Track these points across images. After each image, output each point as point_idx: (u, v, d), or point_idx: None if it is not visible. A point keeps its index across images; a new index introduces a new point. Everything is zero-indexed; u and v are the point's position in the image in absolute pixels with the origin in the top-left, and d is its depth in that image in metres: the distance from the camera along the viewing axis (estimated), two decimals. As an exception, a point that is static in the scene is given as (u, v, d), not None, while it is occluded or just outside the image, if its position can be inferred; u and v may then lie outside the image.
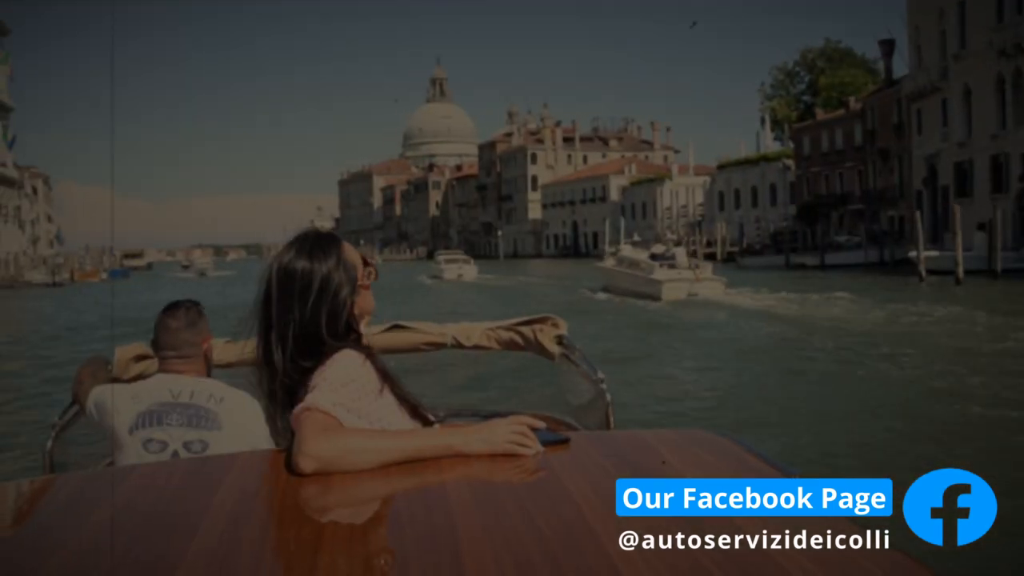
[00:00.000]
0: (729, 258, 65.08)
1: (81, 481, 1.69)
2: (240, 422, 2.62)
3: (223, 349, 3.24)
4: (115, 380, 3.09)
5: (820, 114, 67.39)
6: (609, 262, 36.35)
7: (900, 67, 57.73)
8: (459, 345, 3.76)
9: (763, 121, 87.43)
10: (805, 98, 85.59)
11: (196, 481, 1.49)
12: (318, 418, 1.50)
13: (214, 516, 1.24)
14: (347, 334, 1.77)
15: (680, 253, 32.11)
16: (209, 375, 2.89)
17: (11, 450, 8.88)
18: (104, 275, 77.99)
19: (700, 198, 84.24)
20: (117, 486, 1.47)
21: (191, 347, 2.80)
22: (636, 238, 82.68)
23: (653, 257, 32.12)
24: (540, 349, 3.65)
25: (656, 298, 28.89)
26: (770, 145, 79.73)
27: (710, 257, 67.85)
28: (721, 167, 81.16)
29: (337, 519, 1.30)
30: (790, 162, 70.91)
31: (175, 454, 2.59)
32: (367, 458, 1.43)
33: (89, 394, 2.81)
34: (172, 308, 2.86)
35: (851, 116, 62.54)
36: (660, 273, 30.03)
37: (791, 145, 76.09)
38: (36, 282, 61.94)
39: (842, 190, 62.77)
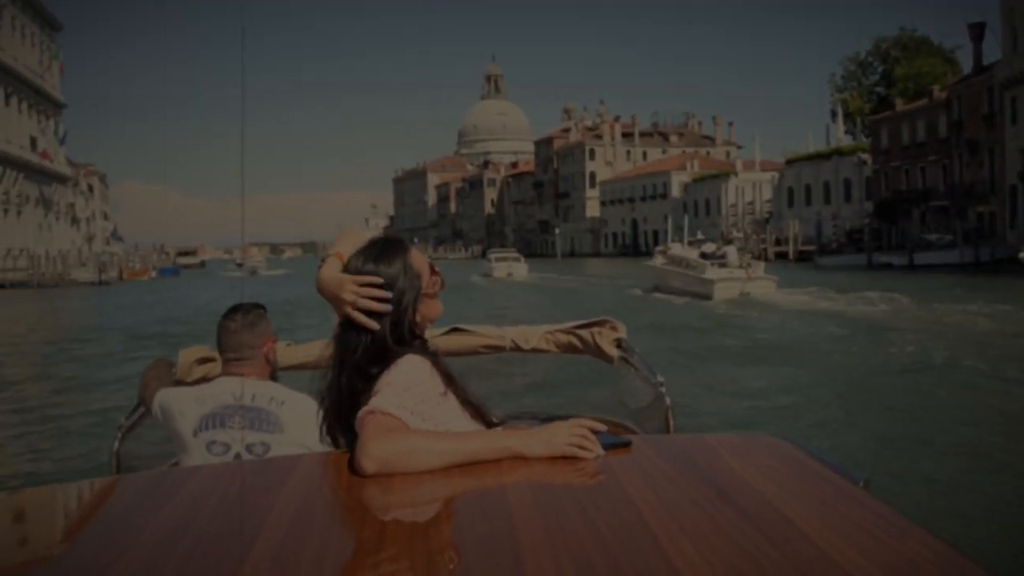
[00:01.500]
0: (801, 257, 61.45)
1: (147, 481, 1.70)
2: (301, 424, 2.60)
3: (286, 352, 3.41)
4: (179, 382, 3.15)
5: (900, 104, 63.14)
6: (659, 260, 35.43)
7: (991, 52, 53.79)
8: (518, 348, 3.75)
9: (833, 114, 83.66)
10: (878, 89, 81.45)
11: (260, 482, 1.50)
12: (382, 420, 1.52)
13: (278, 517, 1.26)
14: (411, 340, 1.78)
15: (731, 252, 30.95)
16: (274, 377, 2.86)
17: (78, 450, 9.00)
18: (153, 273, 76.92)
19: (767, 194, 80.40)
20: (182, 487, 1.49)
21: (250, 349, 2.79)
22: (700, 236, 79.80)
23: (704, 256, 31.50)
24: (599, 352, 3.63)
25: (708, 297, 28.23)
26: (842, 139, 75.68)
27: (781, 256, 64.40)
28: (790, 162, 77.18)
29: (399, 520, 1.31)
30: (866, 156, 66.89)
31: (237, 456, 2.59)
32: (428, 460, 1.44)
33: (154, 396, 2.84)
34: (232, 311, 2.85)
35: (935, 106, 58.47)
36: (712, 272, 29.35)
37: (864, 138, 72.06)
38: (83, 281, 60.66)
39: (924, 185, 58.78)
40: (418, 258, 1.81)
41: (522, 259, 59.26)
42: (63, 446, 9.43)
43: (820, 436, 8.60)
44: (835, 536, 1.10)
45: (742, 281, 28.94)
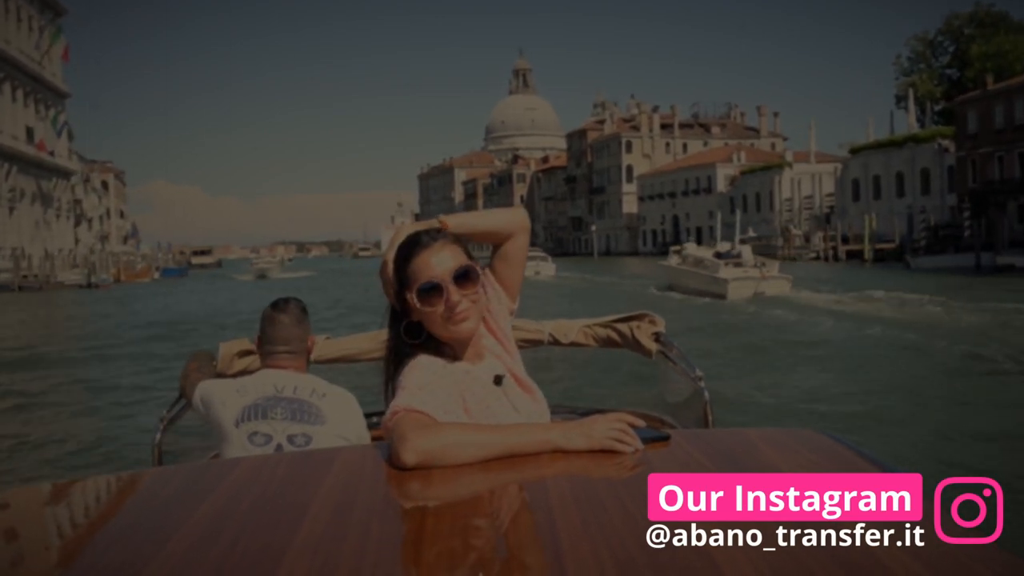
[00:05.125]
0: (879, 257, 54.15)
1: (189, 473, 1.70)
2: (341, 417, 2.71)
3: (326, 345, 3.51)
4: (220, 375, 3.17)
5: (991, 83, 55.50)
6: (674, 260, 35.34)
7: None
8: (556, 342, 3.75)
9: (898, 99, 76.61)
10: (949, 71, 74.20)
11: (301, 474, 1.51)
12: (413, 416, 1.54)
13: (319, 508, 1.27)
14: (427, 340, 1.82)
15: (746, 251, 31.05)
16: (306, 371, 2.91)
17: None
18: (156, 274, 71.38)
19: (828, 187, 73.08)
20: (224, 478, 1.50)
21: (299, 342, 2.84)
22: (752, 233, 72.85)
23: (718, 255, 31.54)
24: (637, 346, 3.62)
25: (722, 296, 28.17)
26: (912, 125, 68.32)
27: (854, 256, 57.27)
28: (855, 151, 69.78)
29: (439, 513, 1.31)
30: (947, 143, 59.44)
31: (279, 447, 2.61)
32: (468, 452, 1.45)
33: (196, 388, 2.85)
34: (281, 303, 2.88)
35: (1038, 83, 50.99)
36: (726, 271, 29.31)
37: (934, 125, 64.89)
38: (69, 283, 54.84)
39: (1023, 174, 51.30)
40: (420, 265, 1.78)
41: (549, 258, 58.12)
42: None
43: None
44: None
45: (756, 280, 28.74)
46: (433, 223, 1.88)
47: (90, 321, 29.65)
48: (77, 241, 78.84)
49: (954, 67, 73.25)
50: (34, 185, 68.79)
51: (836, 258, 58.33)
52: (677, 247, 38.80)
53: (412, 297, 1.77)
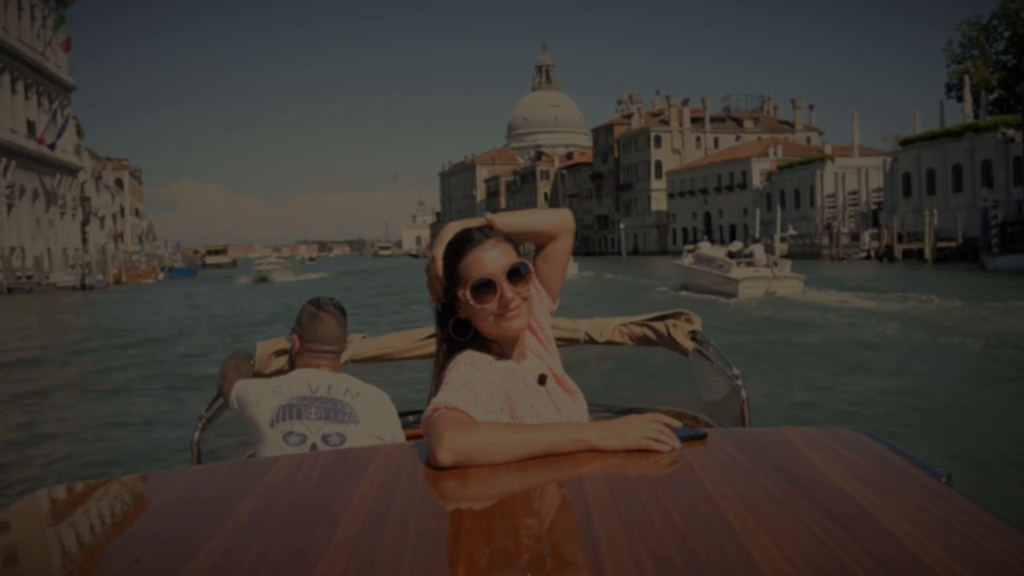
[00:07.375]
0: (941, 256, 49.55)
1: (226, 472, 1.69)
2: (375, 416, 2.70)
3: (362, 344, 3.50)
4: (257, 374, 3.17)
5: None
6: (687, 259, 35.12)
7: None
8: (592, 340, 3.72)
9: (948, 88, 71.85)
10: (1005, 58, 69.39)
11: (337, 473, 1.52)
12: (450, 414, 1.54)
13: (356, 508, 1.28)
14: (475, 336, 1.82)
15: (758, 250, 30.30)
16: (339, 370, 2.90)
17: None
18: (161, 275, 68.01)
19: (875, 182, 68.35)
20: (262, 477, 1.51)
21: (342, 341, 2.84)
22: (792, 231, 68.28)
23: (731, 255, 31.29)
24: (673, 344, 3.58)
25: (733, 296, 28.18)
26: (968, 116, 63.55)
27: (911, 255, 52.72)
28: (906, 142, 65.01)
29: (475, 512, 1.31)
30: (1012, 132, 54.67)
31: (313, 446, 2.61)
32: (505, 452, 1.45)
33: (232, 387, 2.84)
34: (324, 302, 2.85)
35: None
36: (737, 271, 29.12)
37: (989, 115, 60.18)
38: (62, 285, 51.42)
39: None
40: (473, 262, 1.76)
41: (572, 257, 53.66)
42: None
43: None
44: (919, 531, 1.08)
45: (768, 280, 28.55)
46: (480, 221, 1.86)
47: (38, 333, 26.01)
48: (85, 240, 75.61)
49: (1010, 54, 68.46)
50: (36, 181, 65.50)
51: (891, 258, 53.75)
52: (691, 246, 38.32)
53: (465, 293, 1.75)
